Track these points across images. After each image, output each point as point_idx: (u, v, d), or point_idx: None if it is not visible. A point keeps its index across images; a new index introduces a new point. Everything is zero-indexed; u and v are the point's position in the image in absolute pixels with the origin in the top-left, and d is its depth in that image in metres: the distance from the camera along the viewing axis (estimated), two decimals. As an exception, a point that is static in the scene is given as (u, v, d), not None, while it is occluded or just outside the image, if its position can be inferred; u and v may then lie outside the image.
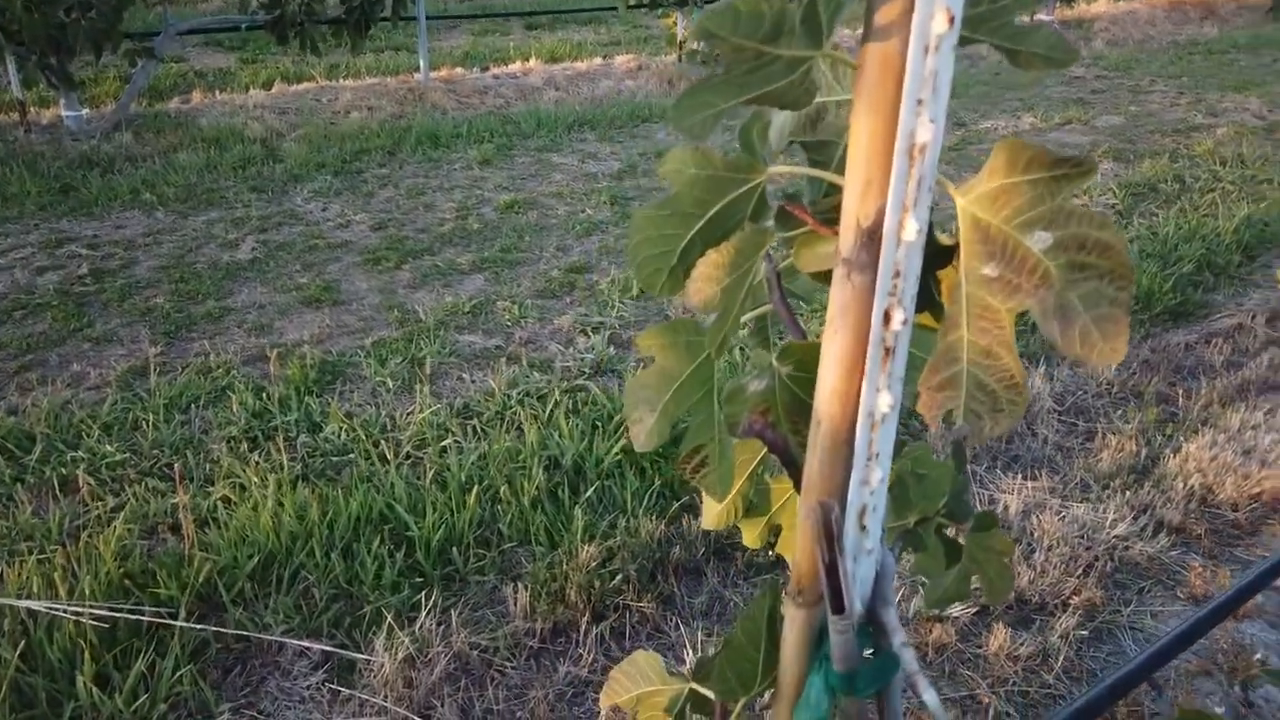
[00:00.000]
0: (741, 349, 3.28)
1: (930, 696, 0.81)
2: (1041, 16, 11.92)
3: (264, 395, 3.35)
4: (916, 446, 1.01)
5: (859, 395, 0.73)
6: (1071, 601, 2.33)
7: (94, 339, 3.82)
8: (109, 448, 2.96)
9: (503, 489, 2.78)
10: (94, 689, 2.08)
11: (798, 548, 0.83)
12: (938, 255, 0.71)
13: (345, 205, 5.54)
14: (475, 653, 2.28)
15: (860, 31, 0.59)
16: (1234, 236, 4.79)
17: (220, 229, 5.08)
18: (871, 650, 0.85)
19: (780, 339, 0.88)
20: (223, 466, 2.91)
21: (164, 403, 3.27)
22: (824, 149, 0.88)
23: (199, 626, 2.27)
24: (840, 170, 0.86)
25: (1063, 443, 3.13)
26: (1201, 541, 2.57)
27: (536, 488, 2.78)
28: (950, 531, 1.02)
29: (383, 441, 3.07)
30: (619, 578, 2.48)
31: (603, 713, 2.08)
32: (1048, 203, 0.61)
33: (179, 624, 2.25)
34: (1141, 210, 5.35)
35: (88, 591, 2.31)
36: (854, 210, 0.65)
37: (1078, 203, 0.67)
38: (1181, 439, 3.04)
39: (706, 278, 0.80)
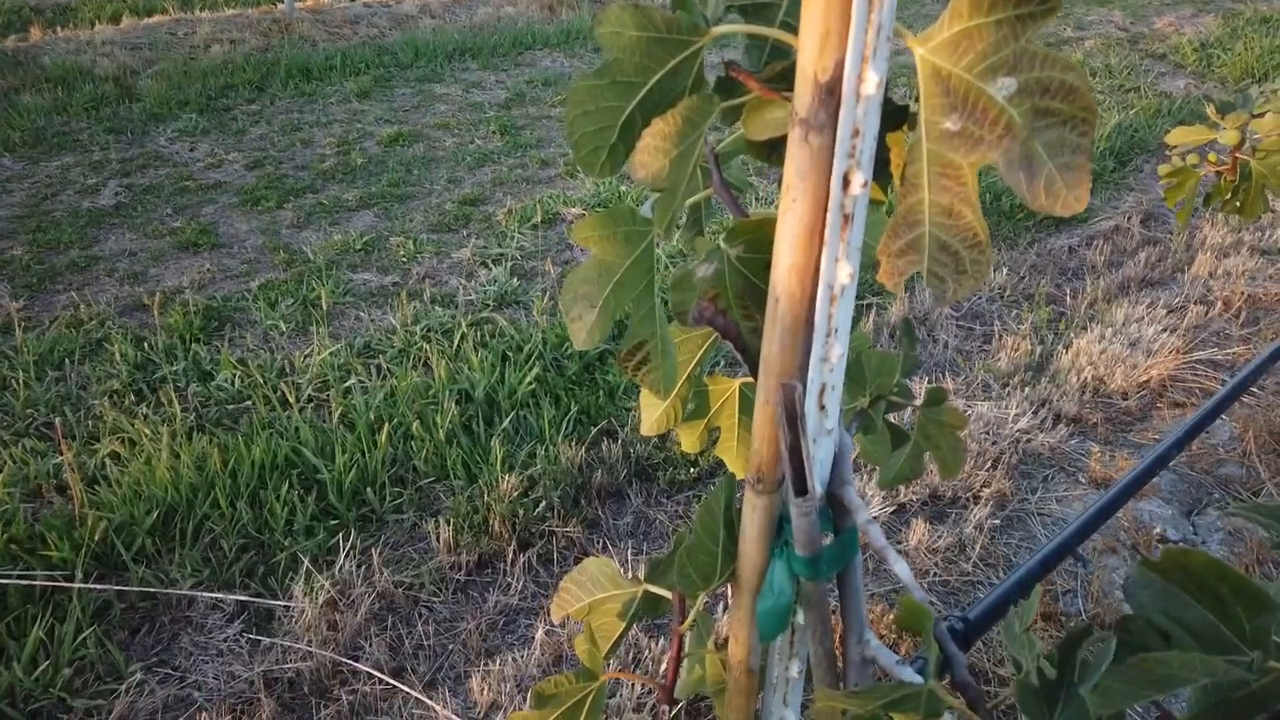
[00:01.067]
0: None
1: (901, 568, 0.80)
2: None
3: (145, 345, 3.14)
4: (855, 335, 0.99)
5: (817, 269, 0.70)
6: (982, 494, 2.42)
7: (-55, 296, 3.51)
8: (-24, 409, 2.74)
9: (414, 425, 2.69)
10: (-13, 662, 1.94)
11: (755, 433, 0.80)
12: (887, 118, 0.67)
13: (214, 144, 5.20)
14: (400, 590, 2.22)
15: None
16: (1107, 144, 4.98)
17: (77, 174, 4.70)
18: (832, 532, 0.84)
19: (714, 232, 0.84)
20: (107, 422, 2.72)
21: (33, 359, 3.03)
22: (763, 11, 0.83)
23: (98, 587, 2.13)
24: (787, 25, 0.82)
25: (962, 346, 3.22)
26: (1097, 429, 2.71)
27: (449, 422, 2.70)
28: (895, 417, 1.02)
29: (281, 386, 2.93)
30: (542, 505, 2.45)
31: (540, 634, 2.06)
32: (1011, 45, 0.57)
33: (76, 586, 2.11)
34: (1021, 122, 5.50)
35: (-32, 561, 2.14)
36: (811, 66, 0.61)
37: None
38: (1072, 335, 3.18)
39: (654, 149, 0.75)
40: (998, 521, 2.34)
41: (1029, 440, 2.62)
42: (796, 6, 0.81)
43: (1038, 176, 0.56)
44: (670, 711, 0.95)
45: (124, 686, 1.96)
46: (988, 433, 2.63)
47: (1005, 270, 3.71)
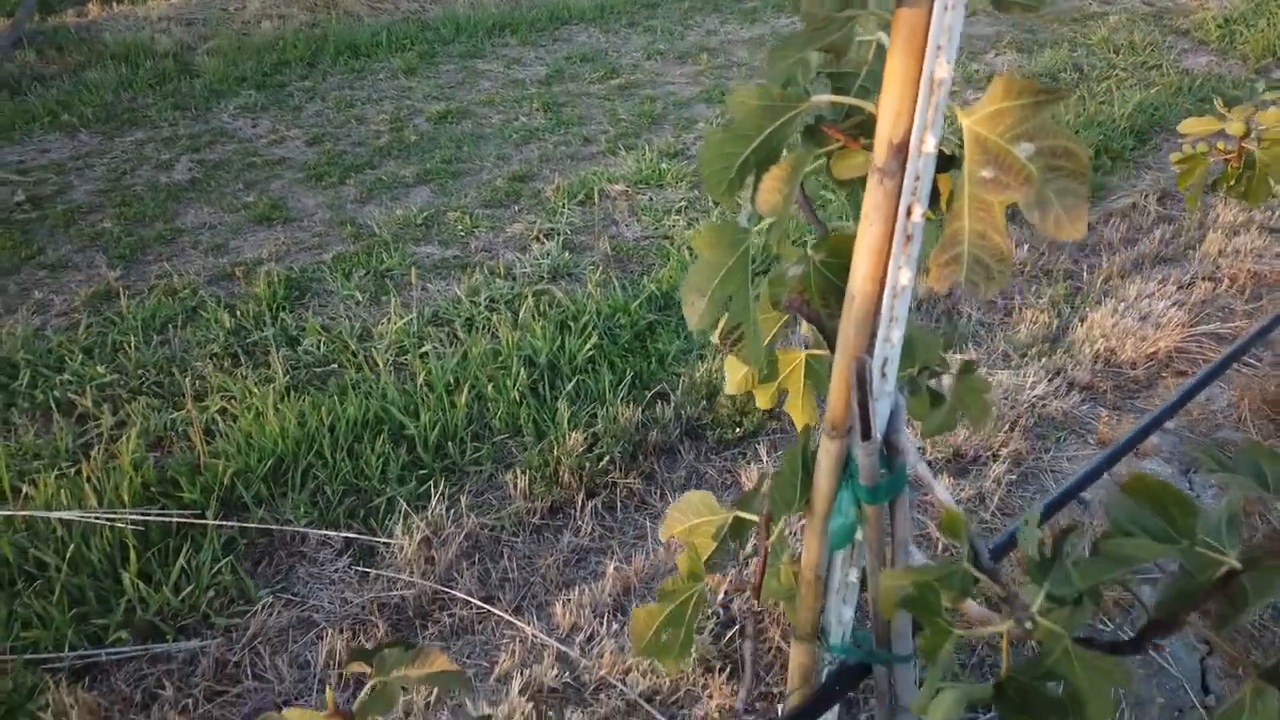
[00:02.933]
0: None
1: (940, 489, 1.10)
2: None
3: (237, 313, 3.45)
4: (910, 324, 1.27)
5: (885, 274, 0.98)
6: (1000, 453, 2.70)
7: (48, 266, 3.83)
8: (99, 368, 3.06)
9: (488, 388, 2.99)
10: (140, 584, 2.27)
11: (831, 395, 1.09)
12: (938, 165, 0.95)
13: (275, 121, 5.49)
14: (484, 531, 2.54)
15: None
16: (1128, 122, 5.18)
17: (151, 149, 5.01)
18: (885, 470, 1.13)
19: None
20: (212, 382, 3.04)
21: (139, 324, 3.35)
22: (845, 79, 1.11)
23: (228, 523, 2.46)
24: (858, 95, 1.10)
25: (985, 319, 3.48)
26: (1107, 396, 2.97)
27: (519, 385, 3.00)
28: (935, 383, 1.30)
29: (361, 351, 3.23)
30: (605, 460, 2.75)
31: (610, 569, 2.37)
32: (1031, 120, 0.86)
33: (210, 522, 2.43)
34: (1045, 100, 5.68)
35: (114, 501, 2.47)
36: (887, 132, 0.89)
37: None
38: (1087, 309, 3.43)
39: (771, 189, 1.03)
40: (1014, 477, 2.62)
41: (1044, 405, 2.89)
42: (871, 76, 1.11)
43: (1049, 213, 0.84)
44: (758, 605, 1.24)
45: (255, 608, 2.29)
46: (1006, 398, 2.90)
47: (1026, 247, 3.95)
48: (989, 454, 2.70)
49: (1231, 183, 2.44)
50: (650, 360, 3.21)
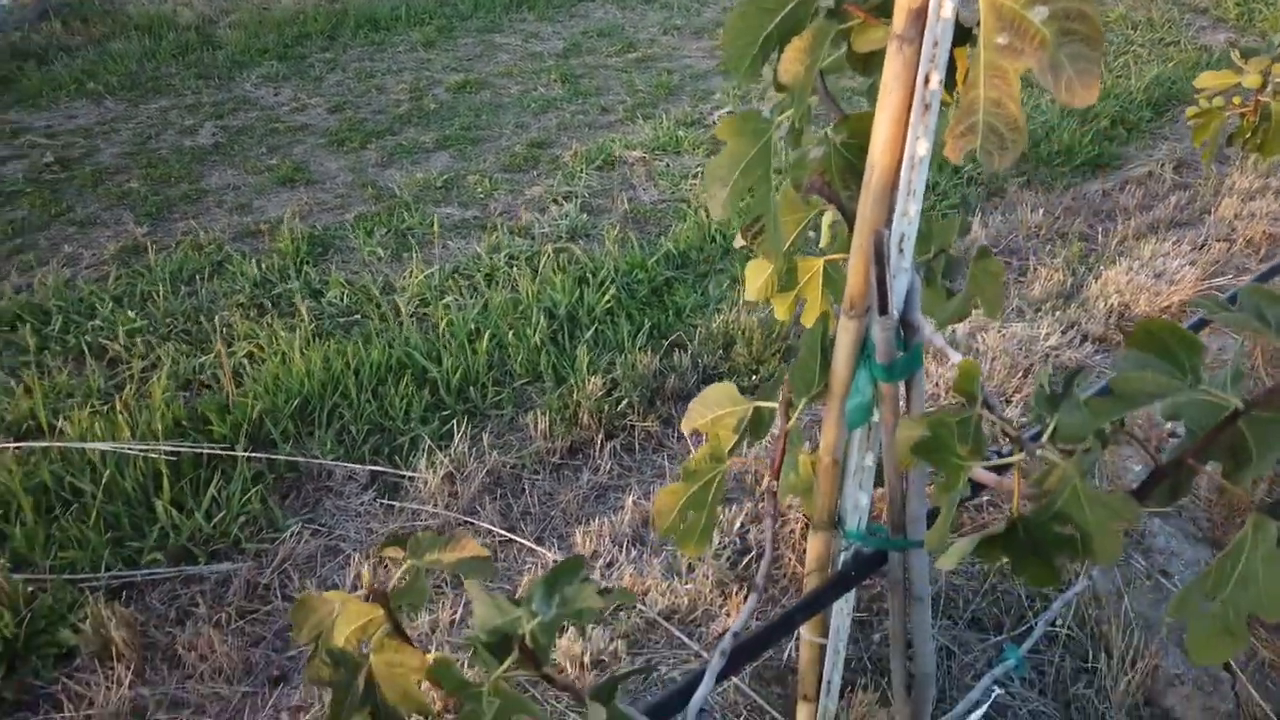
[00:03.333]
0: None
1: (955, 354, 1.14)
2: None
3: (261, 266, 3.52)
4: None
5: (903, 144, 1.03)
6: (1014, 398, 2.74)
7: (77, 222, 3.90)
8: (129, 314, 3.13)
9: (509, 335, 3.05)
10: (173, 511, 2.34)
11: (849, 273, 1.14)
12: (956, 37, 0.99)
13: (296, 90, 5.56)
14: (506, 468, 2.60)
15: None
16: (1145, 95, 5.19)
17: (175, 116, 5.08)
18: (902, 349, 1.17)
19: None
20: (238, 330, 3.11)
21: (167, 276, 3.42)
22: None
23: (258, 454, 2.53)
24: (884, -22, 1.14)
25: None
26: (1120, 347, 3.00)
27: (539, 333, 3.06)
28: (948, 282, 1.34)
29: (384, 302, 3.29)
30: (624, 403, 2.80)
31: (629, 503, 2.43)
32: (1045, -14, 0.89)
33: (240, 454, 2.50)
34: (1062, 74, 5.70)
35: (146, 434, 2.54)
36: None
37: None
38: (1101, 268, 3.46)
39: (793, 60, 1.07)
40: (1026, 419, 2.66)
41: (1058, 355, 2.93)
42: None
43: (1061, 78, 0.88)
44: (776, 485, 1.29)
45: (284, 536, 2.36)
46: (1020, 349, 2.94)
47: (1041, 211, 3.98)
48: (1003, 398, 2.74)
49: (1247, 136, 2.47)
50: (668, 313, 3.26)
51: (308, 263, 3.59)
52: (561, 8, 7.54)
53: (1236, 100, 2.48)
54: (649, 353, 3.01)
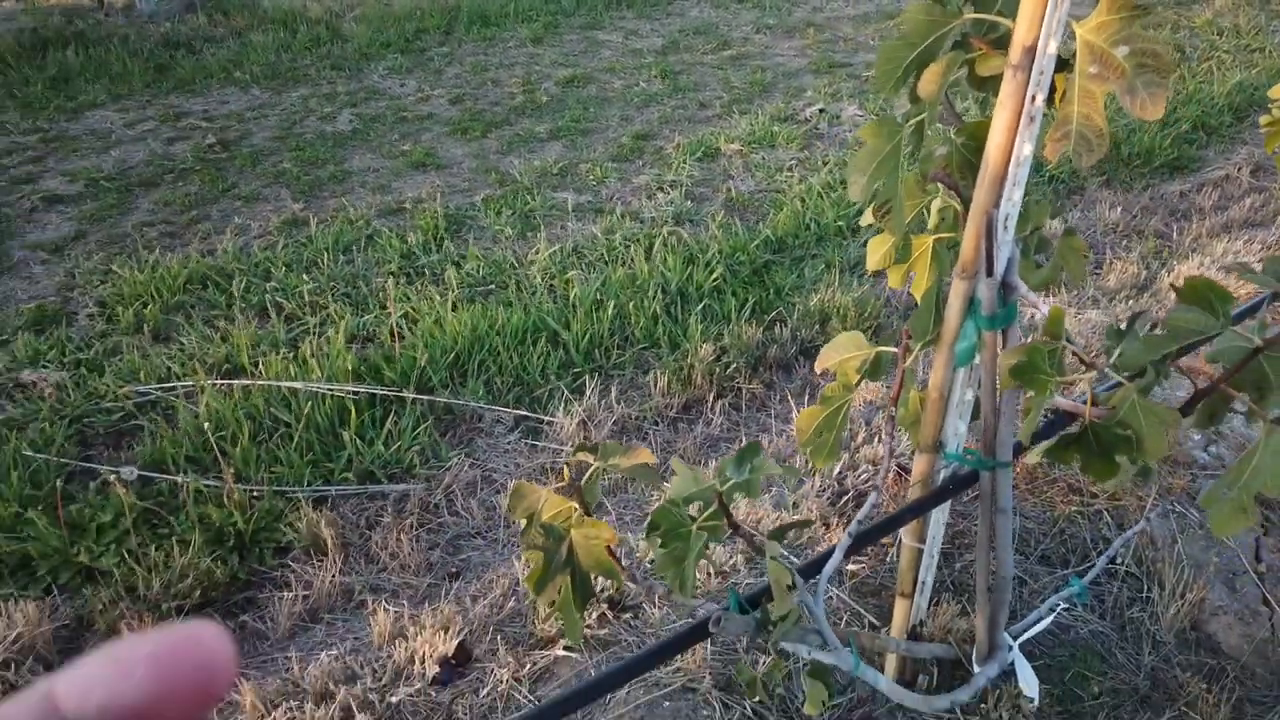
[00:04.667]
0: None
1: (1043, 307, 1.49)
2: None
3: (406, 240, 3.98)
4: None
5: (1012, 147, 1.38)
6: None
7: (243, 198, 4.42)
8: (303, 276, 3.61)
9: (628, 306, 3.45)
10: (357, 441, 2.79)
11: (964, 243, 1.49)
12: (1057, 66, 1.34)
13: (419, 82, 6.04)
14: (630, 419, 2.99)
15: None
16: (1226, 100, 5.36)
17: (314, 104, 5.60)
18: (1002, 305, 1.52)
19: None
20: (393, 293, 3.56)
21: (327, 246, 3.90)
22: (985, 2, 1.50)
23: (425, 397, 2.97)
24: (1001, 13, 1.49)
25: (1076, 269, 3.79)
26: (1186, 334, 3.27)
27: (655, 305, 3.45)
28: (1040, 257, 1.67)
29: (516, 275, 3.72)
30: (732, 368, 3.18)
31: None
32: (1127, 29, 1.24)
33: (409, 395, 2.94)
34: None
35: (331, 376, 3.00)
36: (1020, 37, 1.29)
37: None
38: (1174, 263, 3.72)
39: (931, 80, 1.43)
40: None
41: (1128, 340, 3.22)
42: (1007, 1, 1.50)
43: (1136, 98, 1.22)
44: (897, 413, 1.64)
45: (448, 464, 2.79)
46: (1095, 332, 3.23)
47: (1119, 209, 4.23)
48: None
49: (1316, 143, 2.73)
50: (768, 291, 3.62)
51: (445, 237, 4.03)
52: (658, 6, 7.92)
53: (1310, 109, 2.74)
54: (753, 325, 3.38)
